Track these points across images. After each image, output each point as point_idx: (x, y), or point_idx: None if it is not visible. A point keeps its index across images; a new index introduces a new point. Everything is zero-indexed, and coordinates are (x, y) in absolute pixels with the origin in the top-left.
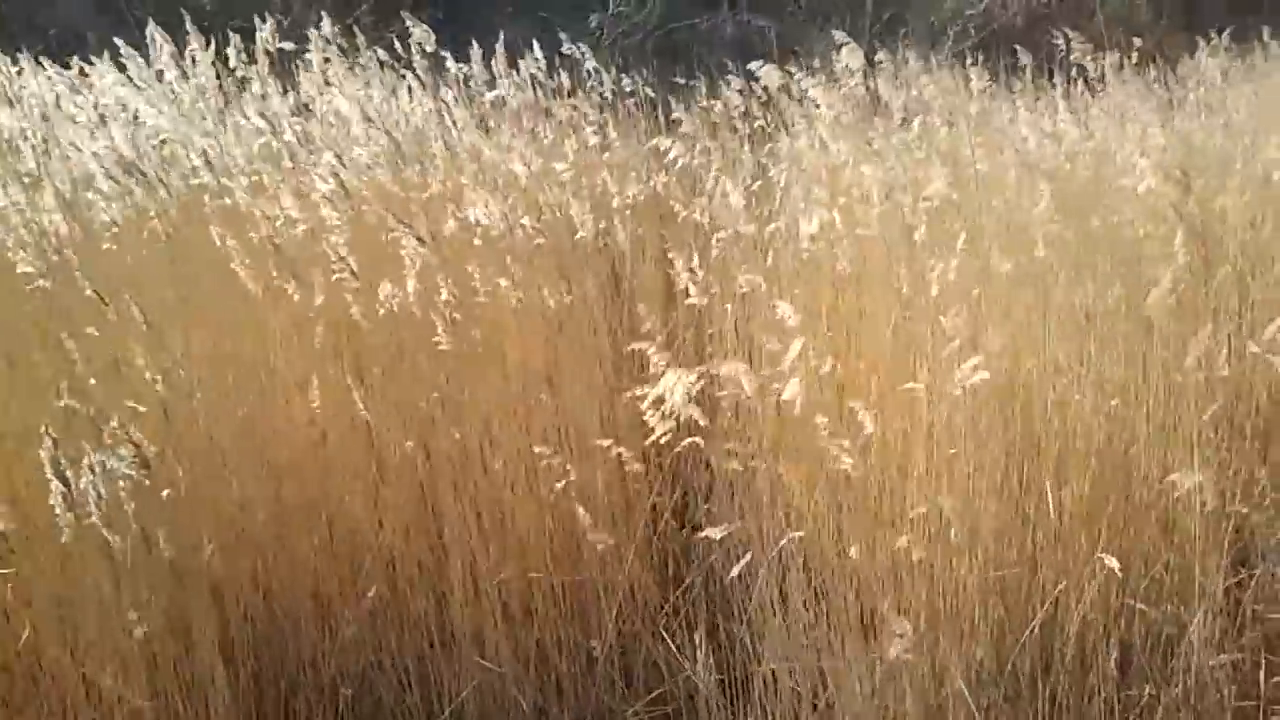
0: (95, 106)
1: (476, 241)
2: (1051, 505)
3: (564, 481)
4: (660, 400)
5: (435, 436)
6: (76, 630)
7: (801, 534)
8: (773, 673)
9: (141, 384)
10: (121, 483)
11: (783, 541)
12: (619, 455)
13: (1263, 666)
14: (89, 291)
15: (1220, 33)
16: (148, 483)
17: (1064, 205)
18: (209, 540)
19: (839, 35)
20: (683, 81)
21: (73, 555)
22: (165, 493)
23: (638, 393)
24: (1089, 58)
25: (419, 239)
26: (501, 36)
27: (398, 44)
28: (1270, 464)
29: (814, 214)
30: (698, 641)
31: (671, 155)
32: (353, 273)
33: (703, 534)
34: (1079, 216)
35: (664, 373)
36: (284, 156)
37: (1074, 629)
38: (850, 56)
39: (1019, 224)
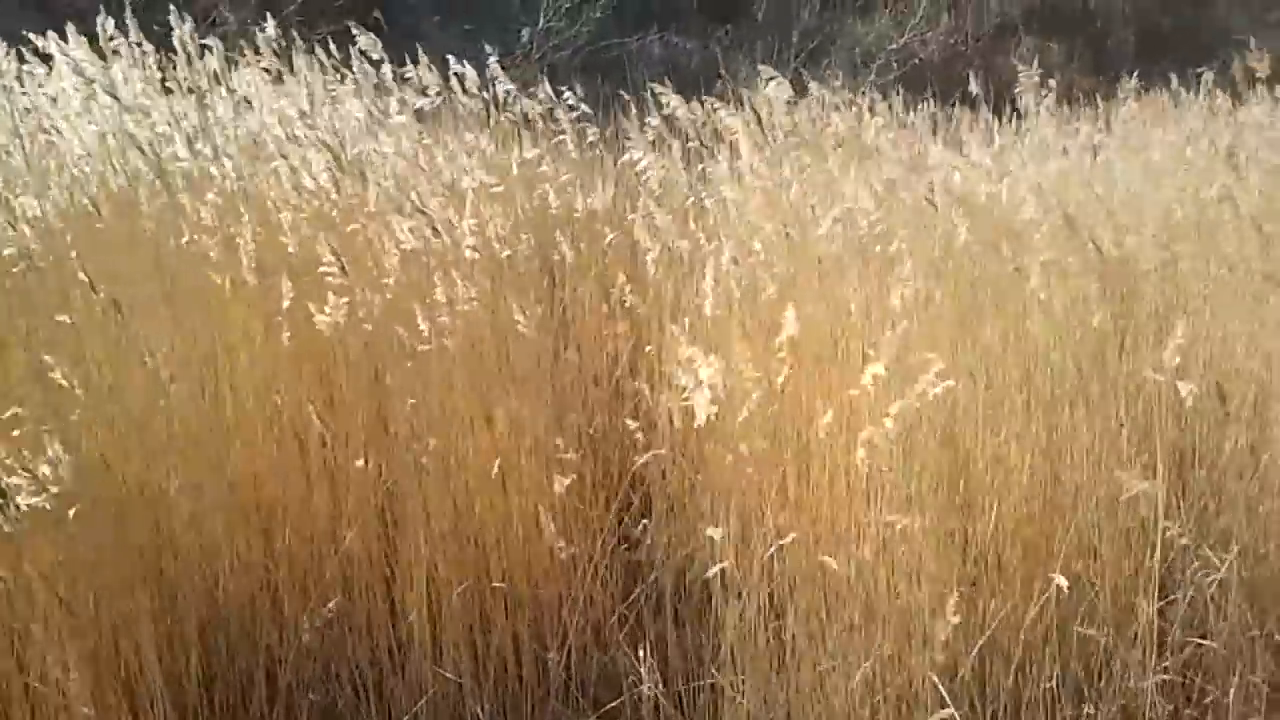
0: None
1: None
2: (981, 528)
3: (564, 484)
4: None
5: (397, 446)
6: (22, 637)
7: (790, 539)
8: (730, 684)
9: (105, 380)
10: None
11: (770, 549)
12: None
13: (1192, 685)
14: (81, 275)
15: (1130, 75)
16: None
17: (985, 238)
18: (163, 544)
19: (766, 70)
20: (626, 97)
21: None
22: (72, 510)
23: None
24: (1030, 93)
25: (434, 229)
26: (427, 48)
27: (328, 49)
28: (1186, 490)
29: (744, 236)
30: (641, 656)
31: (642, 165)
32: (342, 269)
33: (709, 532)
34: (998, 249)
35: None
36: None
37: (1017, 649)
38: (778, 90)
39: (945, 251)
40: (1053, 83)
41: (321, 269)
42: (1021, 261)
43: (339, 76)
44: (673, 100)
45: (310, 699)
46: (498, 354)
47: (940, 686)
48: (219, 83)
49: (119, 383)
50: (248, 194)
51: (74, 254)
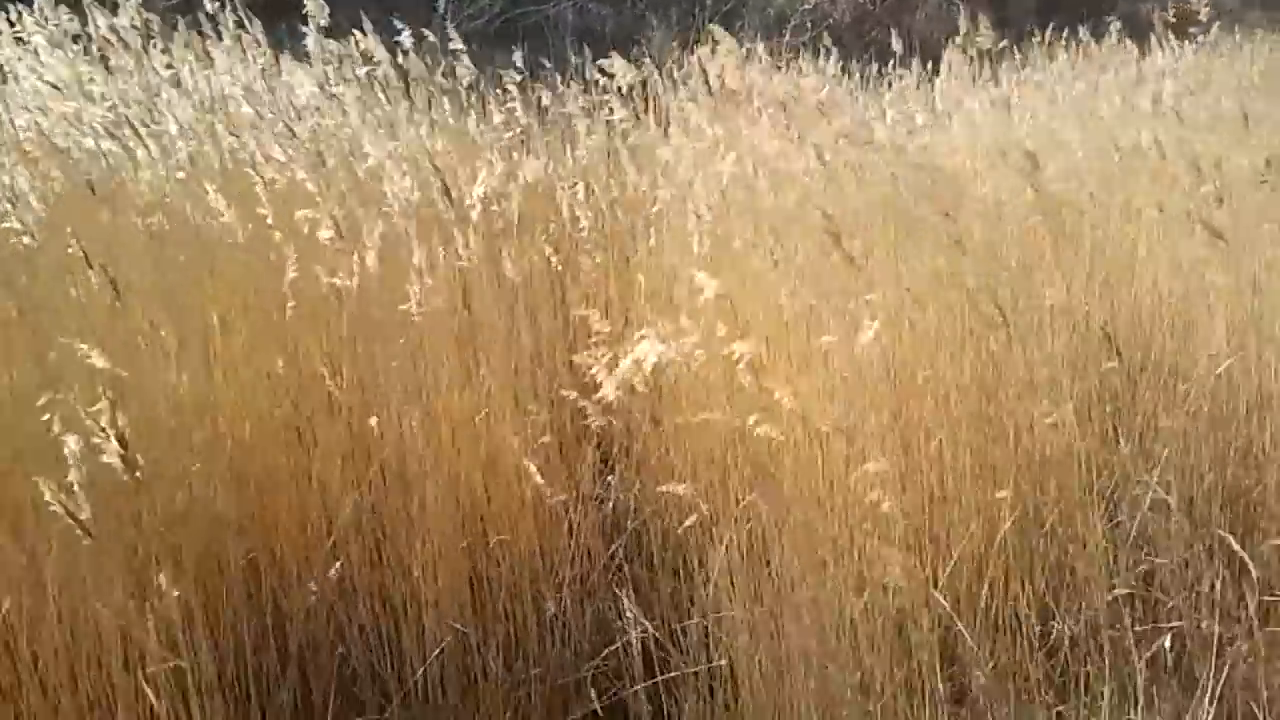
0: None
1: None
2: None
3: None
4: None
5: (388, 408)
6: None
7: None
8: (718, 621)
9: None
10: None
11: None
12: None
13: (1148, 598)
14: (72, 249)
15: (1035, 31)
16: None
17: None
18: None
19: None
20: (548, 66)
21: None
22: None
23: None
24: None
25: (448, 195)
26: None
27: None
28: (1125, 419)
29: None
30: (631, 601)
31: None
32: (339, 233)
33: (663, 489)
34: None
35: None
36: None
37: (991, 573)
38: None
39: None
40: (957, 40)
41: (322, 234)
42: (959, 203)
43: (274, 51)
44: (618, 67)
45: (323, 658)
46: (465, 319)
47: (944, 602)
48: (147, 60)
49: (120, 359)
50: (224, 169)
51: (68, 229)
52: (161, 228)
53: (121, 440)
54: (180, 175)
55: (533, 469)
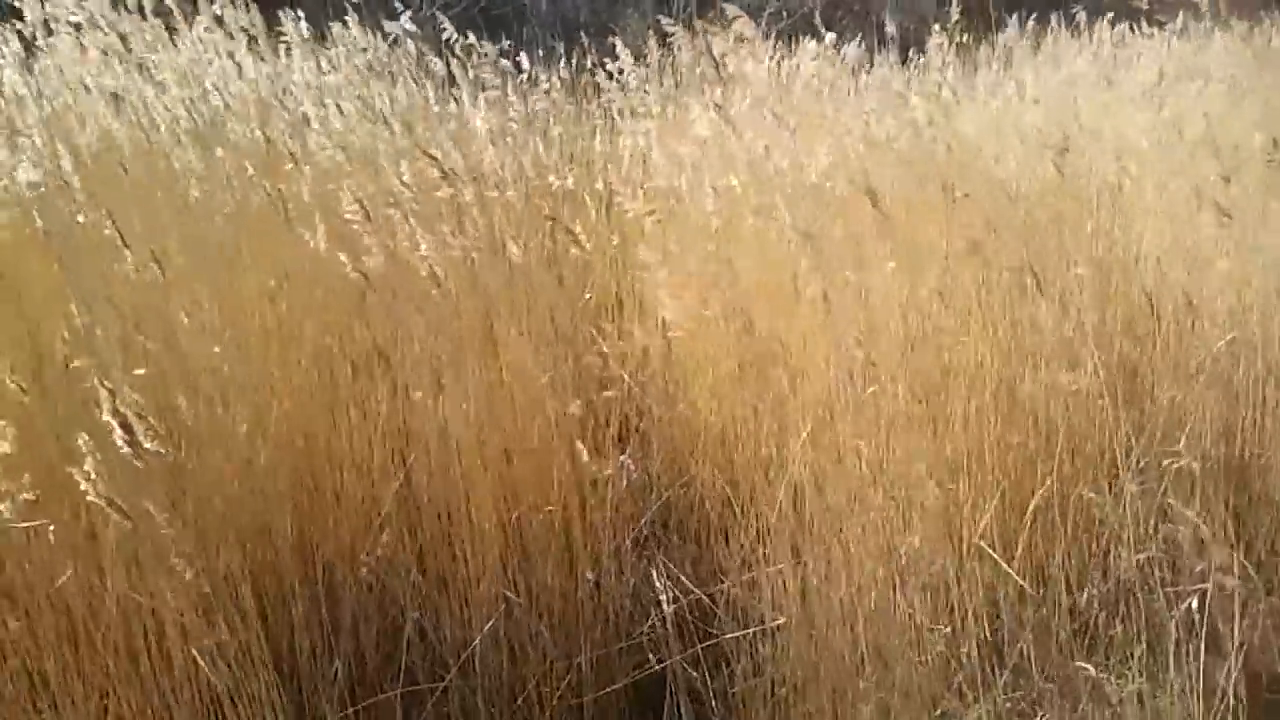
0: None
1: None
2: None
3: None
4: None
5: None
6: None
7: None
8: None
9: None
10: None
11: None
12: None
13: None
14: (108, 230)
15: (1008, 20)
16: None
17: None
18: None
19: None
20: (539, 53)
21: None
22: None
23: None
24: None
25: (443, 174)
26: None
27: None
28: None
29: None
30: (665, 569)
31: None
32: (367, 216)
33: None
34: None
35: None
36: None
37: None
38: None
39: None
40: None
41: (347, 216)
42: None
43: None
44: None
45: (375, 630)
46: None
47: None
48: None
49: (167, 335)
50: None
51: (105, 210)
52: (200, 204)
53: (126, 427)
54: (219, 153)
55: (579, 446)
